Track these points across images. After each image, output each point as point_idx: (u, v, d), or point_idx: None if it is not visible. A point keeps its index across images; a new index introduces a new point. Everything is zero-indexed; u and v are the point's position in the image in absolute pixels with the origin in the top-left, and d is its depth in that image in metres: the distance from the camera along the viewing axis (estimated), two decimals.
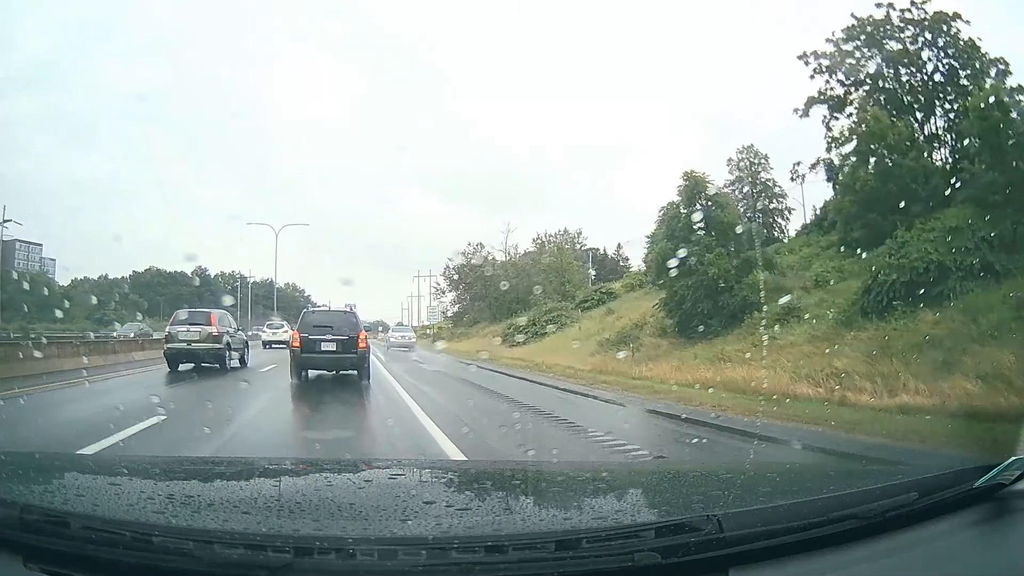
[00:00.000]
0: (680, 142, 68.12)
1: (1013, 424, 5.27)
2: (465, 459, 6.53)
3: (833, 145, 28.50)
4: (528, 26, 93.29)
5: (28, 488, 1.97)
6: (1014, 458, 1.81)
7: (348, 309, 17.72)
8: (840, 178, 26.23)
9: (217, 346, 17.85)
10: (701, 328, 20.26)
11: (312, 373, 15.35)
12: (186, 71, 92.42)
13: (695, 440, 8.32)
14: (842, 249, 22.78)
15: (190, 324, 18.26)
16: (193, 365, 17.93)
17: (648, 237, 39.07)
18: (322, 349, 14.76)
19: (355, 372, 15.12)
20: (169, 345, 18.01)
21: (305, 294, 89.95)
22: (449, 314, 57.90)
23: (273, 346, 32.21)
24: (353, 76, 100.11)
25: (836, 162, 28.02)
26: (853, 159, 24.69)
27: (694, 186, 24.17)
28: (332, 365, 15.16)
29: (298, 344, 14.87)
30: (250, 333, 44.87)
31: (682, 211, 23.86)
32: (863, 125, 24.86)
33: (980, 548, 1.75)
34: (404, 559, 1.52)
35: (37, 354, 17.80)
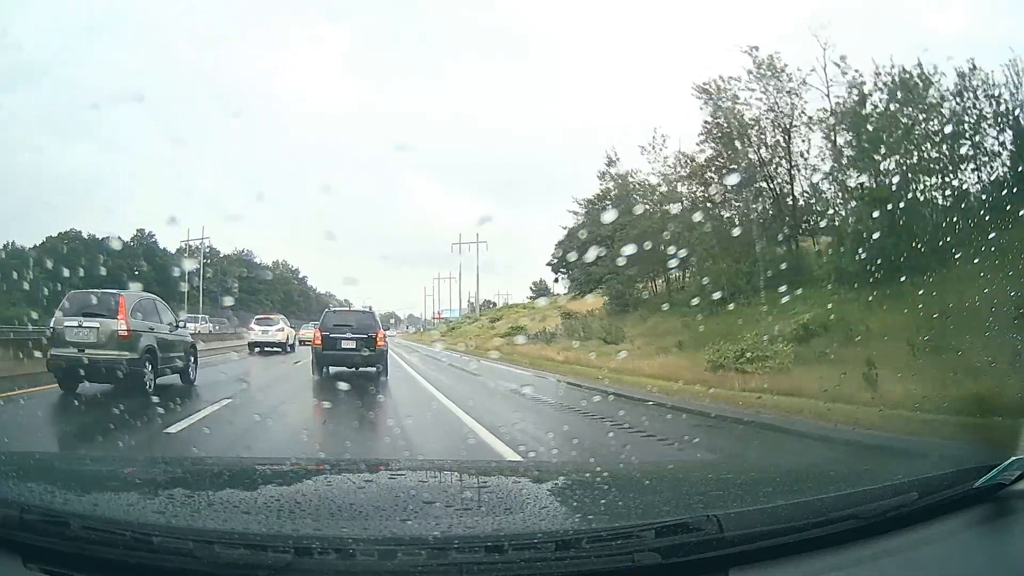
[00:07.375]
0: (680, 124, 67.39)
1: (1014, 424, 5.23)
2: (465, 459, 6.57)
3: None
4: (524, 19, 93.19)
5: (28, 488, 1.97)
6: (1014, 458, 1.81)
7: (367, 309, 18.62)
8: None
9: (127, 355, 10.94)
10: None
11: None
12: (186, 69, 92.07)
13: None
14: None
15: (84, 316, 11.27)
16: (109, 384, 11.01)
17: None
18: (342, 347, 15.67)
19: (374, 369, 15.95)
20: (56, 351, 11.10)
21: (300, 275, 76.30)
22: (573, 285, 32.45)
23: (265, 349, 23.78)
24: (355, 73, 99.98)
25: None
26: None
27: None
28: (351, 362, 16.07)
29: (320, 342, 15.91)
30: (231, 331, 33.30)
31: None
32: None
33: (980, 548, 1.75)
34: (404, 559, 1.52)
35: None
